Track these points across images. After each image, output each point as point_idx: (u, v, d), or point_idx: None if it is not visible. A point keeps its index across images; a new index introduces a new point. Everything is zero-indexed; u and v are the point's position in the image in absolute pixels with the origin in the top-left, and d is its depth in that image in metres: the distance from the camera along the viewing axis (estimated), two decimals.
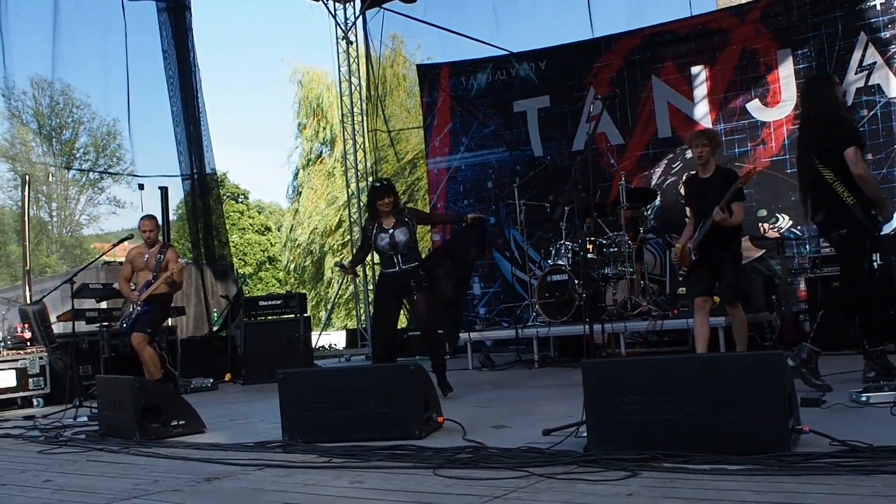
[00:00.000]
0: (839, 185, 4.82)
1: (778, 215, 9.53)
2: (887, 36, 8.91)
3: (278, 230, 36.77)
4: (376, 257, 7.13)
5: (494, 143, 11.43)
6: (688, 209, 6.31)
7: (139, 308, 7.33)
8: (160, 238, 7.97)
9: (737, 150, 9.82)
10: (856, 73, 9.08)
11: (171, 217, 11.73)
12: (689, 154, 10.25)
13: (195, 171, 11.65)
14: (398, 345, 11.14)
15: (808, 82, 7.01)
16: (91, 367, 8.36)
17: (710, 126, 9.92)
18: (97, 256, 10.11)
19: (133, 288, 7.54)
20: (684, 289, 7.48)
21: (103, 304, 9.08)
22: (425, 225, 7.82)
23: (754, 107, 9.78)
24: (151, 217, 7.81)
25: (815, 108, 5.23)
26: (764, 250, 9.40)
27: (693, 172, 6.36)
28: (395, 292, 6.24)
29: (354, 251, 7.28)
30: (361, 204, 13.50)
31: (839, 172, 4.82)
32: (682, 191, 6.27)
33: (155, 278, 7.40)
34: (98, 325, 8.54)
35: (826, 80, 5.59)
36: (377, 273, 14.06)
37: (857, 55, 9.07)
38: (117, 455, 4.37)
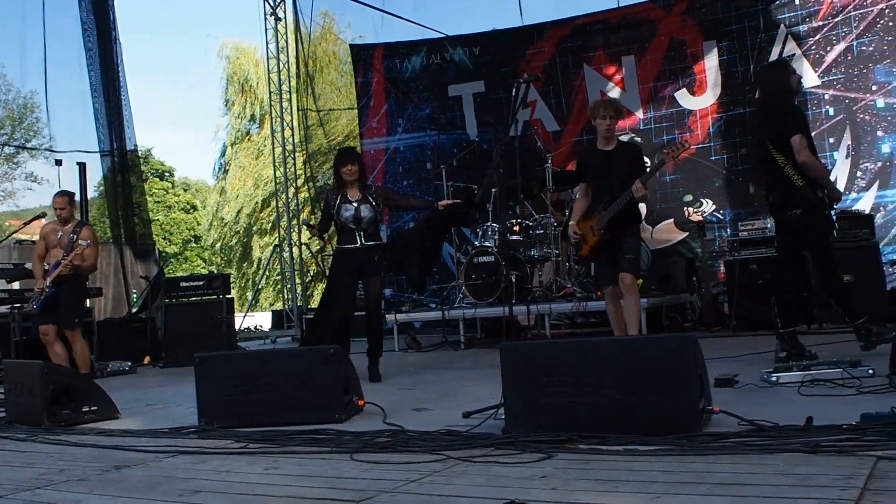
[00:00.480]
0: (790, 168, 4.98)
1: (702, 200, 9.79)
2: (805, 29, 9.23)
3: (205, 209, 35.99)
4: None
5: (430, 125, 11.38)
6: (580, 185, 5.98)
7: (48, 289, 7.02)
8: (76, 216, 7.66)
9: (665, 138, 10.05)
10: None
11: (92, 194, 11.34)
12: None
13: (115, 147, 11.25)
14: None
15: (763, 69, 7.11)
16: (1, 350, 8.02)
17: (640, 114, 10.12)
18: (8, 234, 9.69)
19: (46, 267, 7.22)
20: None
21: (15, 285, 8.72)
22: (392, 208, 7.44)
23: (681, 96, 10.03)
24: (65, 193, 7.48)
25: (768, 95, 5.36)
26: (687, 233, 9.66)
27: (589, 143, 6.09)
28: (353, 269, 5.99)
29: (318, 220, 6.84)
30: (289, 182, 13.30)
31: (789, 157, 4.97)
32: (576, 161, 5.90)
33: (65, 257, 7.06)
34: (9, 306, 8.20)
35: (781, 68, 5.56)
36: (306, 252, 14.20)
37: (777, 47, 9.38)
38: (23, 443, 4.19)
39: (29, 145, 21.85)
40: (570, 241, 5.84)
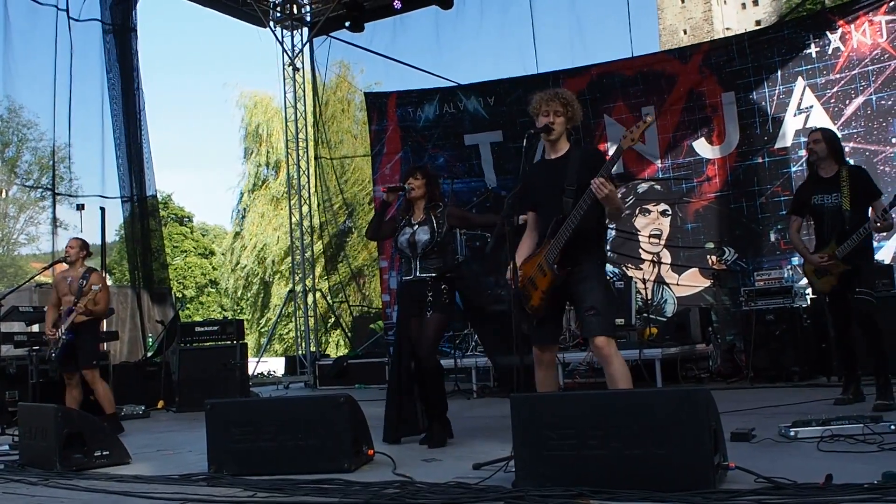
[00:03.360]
0: None
1: (724, 248, 9.75)
2: (822, 82, 9.28)
3: (223, 254, 36.31)
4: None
5: (445, 173, 11.47)
6: (524, 216, 4.44)
7: (64, 337, 7.03)
8: (84, 263, 7.69)
9: (684, 186, 10.08)
10: (794, 116, 9.43)
11: (112, 239, 11.49)
12: (641, 188, 10.67)
13: (135, 193, 11.43)
14: (337, 372, 11.05)
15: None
16: (18, 392, 8.06)
17: (658, 163, 10.14)
18: (28, 278, 9.79)
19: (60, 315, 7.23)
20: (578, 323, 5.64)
21: (34, 328, 8.78)
22: (468, 228, 6.62)
23: (700, 145, 10.08)
24: (80, 239, 7.55)
25: None
26: (710, 282, 9.60)
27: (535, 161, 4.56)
28: (409, 306, 5.07)
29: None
30: (304, 230, 13.40)
31: None
32: (521, 190, 4.19)
33: (76, 303, 7.10)
34: (27, 349, 8.25)
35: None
36: (317, 298, 14.26)
37: (795, 98, 9.44)
38: (35, 487, 4.18)
39: (58, 191, 22.20)
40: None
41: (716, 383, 7.96)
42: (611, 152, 4.03)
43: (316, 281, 13.28)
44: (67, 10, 10.78)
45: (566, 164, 4.07)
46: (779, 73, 9.54)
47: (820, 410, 5.02)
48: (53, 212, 11.59)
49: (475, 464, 3.72)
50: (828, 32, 9.27)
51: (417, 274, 5.01)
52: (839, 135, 9.00)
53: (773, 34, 10.01)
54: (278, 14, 13.14)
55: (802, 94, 9.39)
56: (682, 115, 10.13)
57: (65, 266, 7.40)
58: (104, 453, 4.77)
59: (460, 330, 9.38)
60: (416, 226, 5.07)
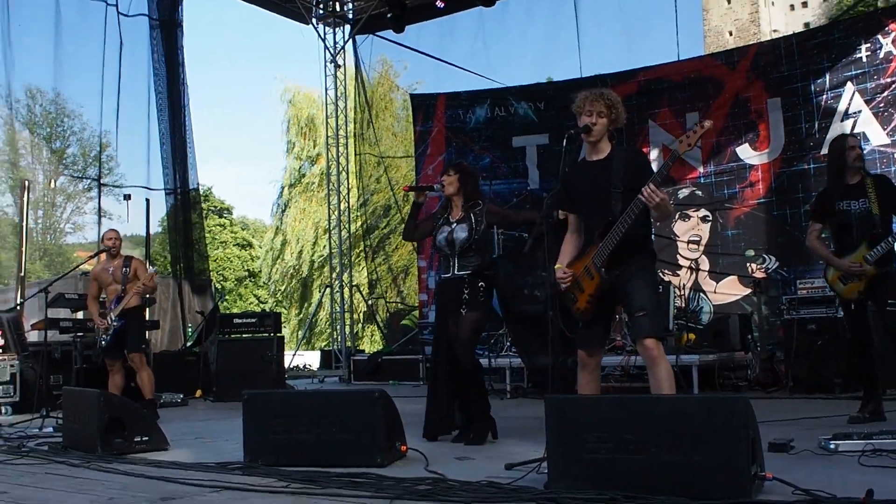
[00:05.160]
0: None
1: (765, 256, 9.61)
2: (872, 87, 9.09)
3: (261, 247, 36.72)
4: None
5: (491, 174, 11.48)
6: (565, 214, 4.34)
7: (115, 323, 7.18)
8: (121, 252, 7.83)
9: (726, 192, 9.95)
10: (842, 121, 9.26)
11: (155, 230, 11.69)
12: (682, 193, 10.55)
13: (178, 185, 11.63)
14: (372, 368, 11.12)
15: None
16: (62, 376, 8.23)
17: (700, 168, 10.02)
18: (74, 266, 10.01)
19: (108, 306, 7.37)
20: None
21: (79, 314, 8.97)
22: (508, 227, 6.48)
23: (743, 150, 9.95)
24: (114, 229, 7.69)
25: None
26: (749, 290, 9.47)
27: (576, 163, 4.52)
28: (447, 304, 5.00)
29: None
30: (343, 225, 13.49)
31: None
32: (561, 190, 4.25)
33: (124, 290, 7.26)
34: (72, 335, 8.43)
35: (837, 143, 5.63)
36: (353, 294, 14.36)
37: (843, 104, 9.26)
38: (77, 469, 4.28)
39: (103, 182, 22.65)
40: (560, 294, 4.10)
41: (754, 392, 7.85)
42: (652, 155, 4.05)
43: (353, 276, 13.35)
44: (117, 6, 11.02)
45: (610, 166, 4.01)
46: (827, 77, 9.38)
47: (861, 424, 4.92)
48: (99, 202, 11.83)
49: (507, 464, 3.72)
50: (879, 36, 9.08)
51: (455, 272, 4.97)
52: (889, 140, 8.91)
53: (823, 38, 9.80)
54: (321, 11, 13.25)
55: (851, 99, 9.22)
56: (727, 121, 10.00)
57: (100, 259, 7.55)
58: (144, 439, 4.87)
59: (494, 330, 9.37)
60: (455, 224, 5.03)
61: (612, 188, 3.92)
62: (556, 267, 4.06)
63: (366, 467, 3.79)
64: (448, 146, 11.91)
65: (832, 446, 4.06)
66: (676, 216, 10.11)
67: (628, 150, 4.38)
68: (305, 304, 29.30)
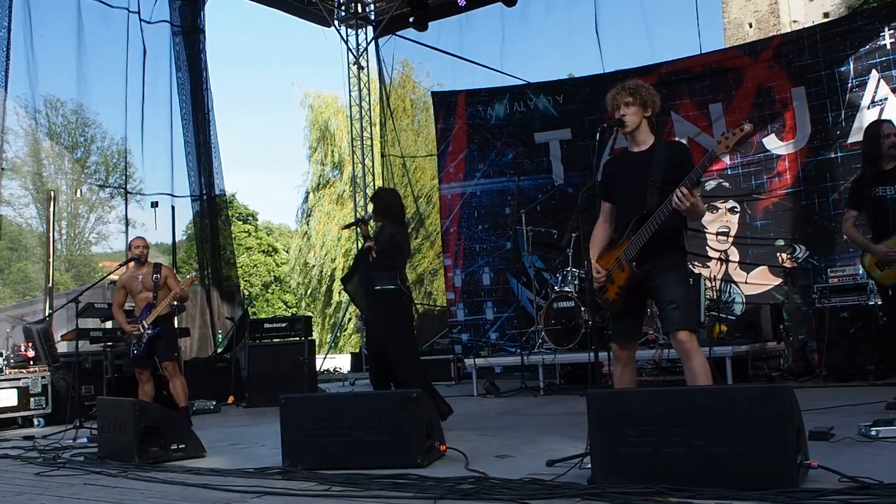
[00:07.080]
0: None
1: (795, 245, 9.51)
2: None
3: (287, 252, 36.87)
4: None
5: (513, 170, 11.46)
6: (603, 203, 4.25)
7: (149, 332, 7.20)
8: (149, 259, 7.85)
9: (753, 183, 9.87)
10: (868, 108, 9.14)
11: (180, 237, 11.76)
12: (709, 185, 10.42)
13: (204, 192, 11.68)
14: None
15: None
16: (94, 387, 8.30)
17: (727, 160, 9.93)
18: (104, 276, 10.10)
19: (131, 320, 7.38)
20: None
21: (108, 324, 9.05)
22: None
23: (770, 141, 9.85)
24: (142, 237, 7.69)
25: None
26: (780, 280, 9.37)
27: (615, 153, 4.41)
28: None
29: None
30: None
31: None
32: (603, 179, 4.23)
33: (155, 298, 7.26)
34: (102, 344, 8.50)
35: (871, 130, 5.59)
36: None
37: (869, 91, 9.16)
38: (115, 479, 4.31)
39: (126, 189, 22.86)
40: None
41: (787, 382, 7.76)
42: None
43: None
44: (139, 13, 11.07)
45: (651, 157, 3.96)
46: (851, 65, 9.27)
47: None
48: (126, 210, 11.88)
49: (549, 460, 3.70)
50: None
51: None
52: None
53: (847, 26, 9.68)
54: (343, 13, 13.29)
55: (877, 87, 9.10)
56: (752, 111, 9.88)
57: (128, 267, 7.56)
58: (180, 446, 4.90)
59: (526, 327, 9.35)
60: None
61: (650, 180, 3.89)
62: (592, 262, 4.06)
63: (406, 468, 3.79)
64: (470, 143, 11.90)
65: (873, 433, 4.01)
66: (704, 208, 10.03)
67: (672, 143, 4.36)
68: (330, 308, 29.42)
